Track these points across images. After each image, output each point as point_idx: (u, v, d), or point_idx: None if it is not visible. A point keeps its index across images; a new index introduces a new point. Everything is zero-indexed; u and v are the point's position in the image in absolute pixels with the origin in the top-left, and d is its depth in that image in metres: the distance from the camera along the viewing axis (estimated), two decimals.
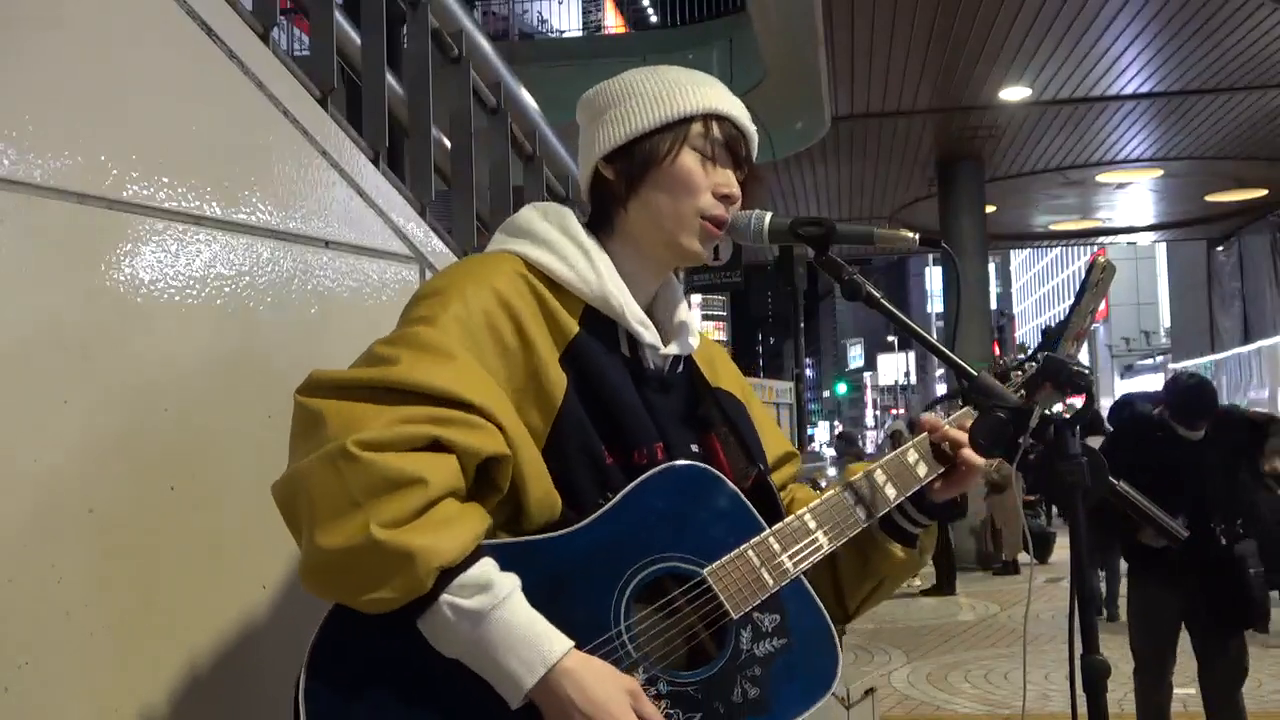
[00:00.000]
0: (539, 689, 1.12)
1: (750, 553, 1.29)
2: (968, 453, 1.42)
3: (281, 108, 1.79)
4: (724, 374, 1.52)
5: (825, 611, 1.35)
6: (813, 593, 1.35)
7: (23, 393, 1.32)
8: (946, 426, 1.44)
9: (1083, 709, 1.30)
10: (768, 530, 1.32)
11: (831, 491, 1.39)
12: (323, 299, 1.81)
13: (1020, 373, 1.50)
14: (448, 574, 1.10)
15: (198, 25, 1.64)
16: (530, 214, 1.40)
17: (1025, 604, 10.53)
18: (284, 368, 1.71)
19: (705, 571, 1.26)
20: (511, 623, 1.12)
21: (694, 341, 1.44)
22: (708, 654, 1.26)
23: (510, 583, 1.14)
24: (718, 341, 1.54)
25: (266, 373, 1.67)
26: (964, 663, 7.23)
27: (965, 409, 1.48)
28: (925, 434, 1.45)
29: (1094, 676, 1.30)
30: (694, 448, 1.39)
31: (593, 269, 1.34)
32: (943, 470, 1.45)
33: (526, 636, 1.12)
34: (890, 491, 1.41)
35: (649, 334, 1.36)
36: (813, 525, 1.34)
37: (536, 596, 1.15)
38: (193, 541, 1.51)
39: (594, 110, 1.43)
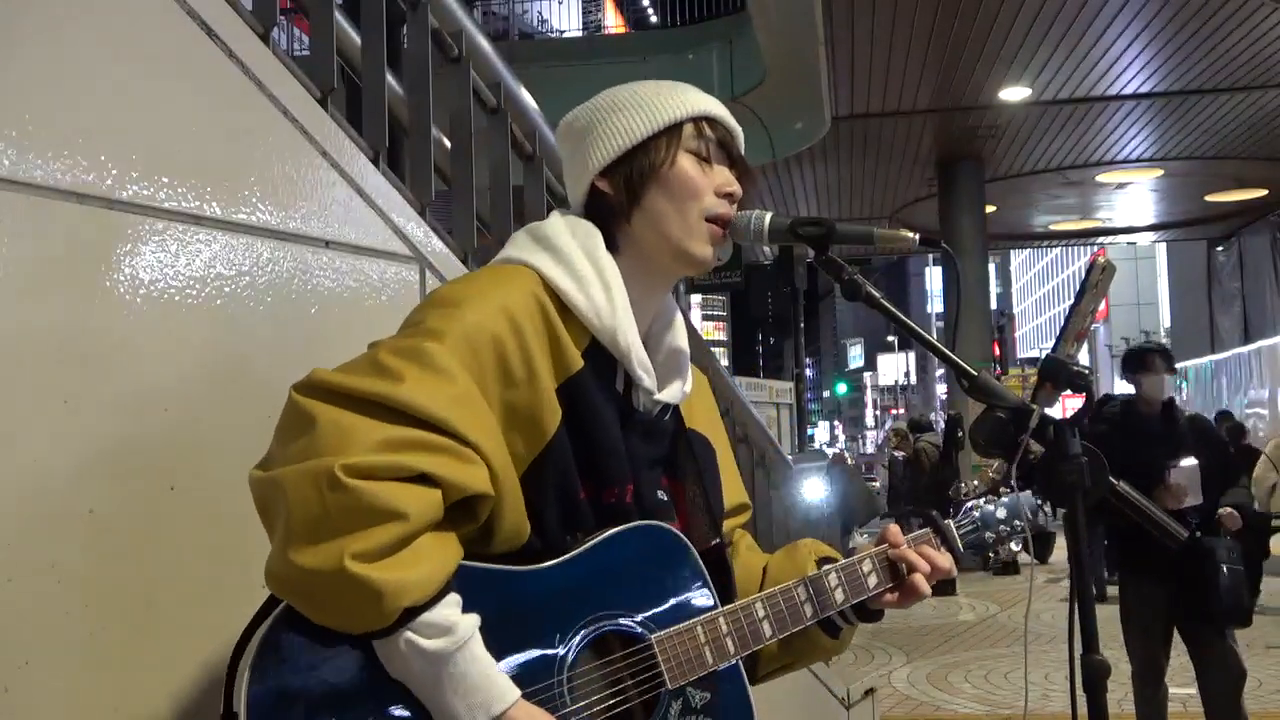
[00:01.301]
0: None
1: (699, 628, 1.31)
2: (918, 579, 1.46)
3: (281, 108, 1.79)
4: (699, 409, 1.51)
5: (754, 701, 1.37)
6: (746, 680, 1.36)
7: (22, 393, 1.32)
8: (906, 547, 1.48)
9: (1083, 709, 1.30)
10: (720, 610, 1.33)
11: (787, 583, 1.41)
12: (323, 299, 1.81)
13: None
14: (411, 611, 1.10)
15: (198, 25, 1.64)
16: (559, 225, 1.37)
17: (1025, 604, 10.53)
18: (283, 368, 1.70)
19: (652, 638, 1.27)
20: (466, 670, 1.13)
21: (687, 389, 1.43)
22: (637, 718, 1.27)
23: (470, 626, 1.14)
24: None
25: (266, 373, 1.67)
26: (964, 663, 7.23)
27: (925, 530, 1.51)
28: (885, 546, 1.48)
29: (1094, 676, 1.30)
30: (661, 494, 1.39)
31: (609, 302, 1.31)
32: (890, 585, 1.47)
33: (477, 684, 1.13)
34: (839, 596, 1.43)
35: (648, 379, 1.35)
36: (761, 614, 1.36)
37: (490, 625, 1.16)
38: (193, 541, 1.51)
39: (577, 131, 1.42)
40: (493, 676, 1.14)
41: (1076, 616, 1.33)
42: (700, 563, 1.35)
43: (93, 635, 1.36)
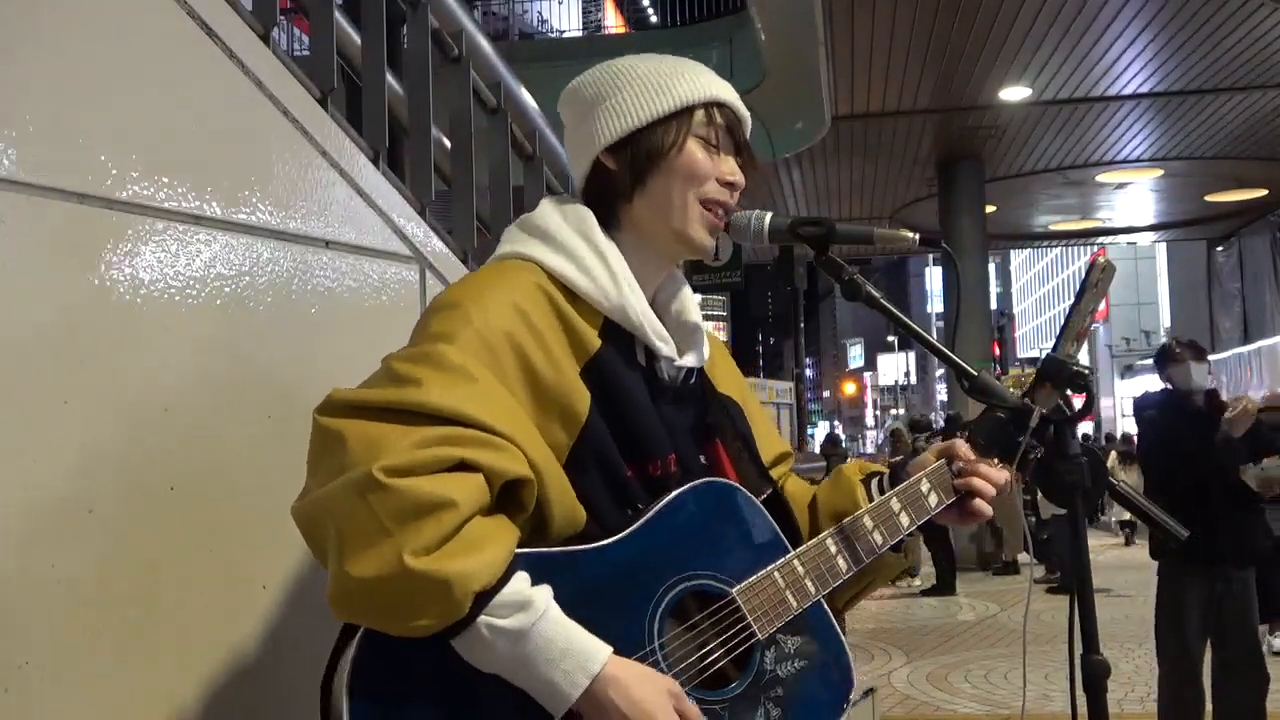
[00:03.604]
0: (584, 699, 1.13)
1: (776, 574, 1.31)
2: (979, 504, 1.44)
3: (281, 108, 1.79)
4: (722, 374, 1.52)
5: (842, 634, 1.38)
6: (830, 615, 1.37)
7: (23, 393, 1.32)
8: (976, 471, 1.44)
9: (1083, 709, 1.30)
10: (792, 553, 1.34)
11: (850, 517, 1.40)
12: (323, 299, 1.81)
13: None
14: (484, 595, 1.10)
15: (198, 25, 1.64)
16: (549, 212, 1.37)
17: (1025, 604, 10.52)
18: (284, 368, 1.71)
19: (734, 591, 1.27)
20: (550, 637, 1.12)
21: (707, 352, 1.44)
22: (732, 673, 1.27)
23: (545, 597, 1.14)
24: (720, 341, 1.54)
25: (266, 373, 1.67)
26: (964, 663, 7.23)
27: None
28: (942, 462, 1.46)
29: (1094, 676, 1.30)
30: (702, 459, 1.40)
31: (612, 280, 1.32)
32: (951, 500, 1.45)
33: (566, 649, 1.13)
34: (904, 520, 1.42)
35: (667, 348, 1.36)
36: (833, 549, 1.36)
37: (573, 609, 1.16)
38: (193, 541, 1.51)
39: (585, 102, 1.40)
40: (578, 638, 1.14)
41: (1076, 616, 1.32)
42: (763, 510, 1.35)
43: (93, 635, 1.36)
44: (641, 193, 1.36)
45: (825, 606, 1.36)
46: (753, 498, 1.35)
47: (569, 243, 1.33)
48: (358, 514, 1.08)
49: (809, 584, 1.32)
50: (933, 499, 1.45)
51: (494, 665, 1.12)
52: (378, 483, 1.07)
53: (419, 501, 1.08)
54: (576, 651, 1.13)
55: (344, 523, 1.09)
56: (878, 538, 1.40)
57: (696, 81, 1.38)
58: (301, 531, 1.15)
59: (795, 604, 1.31)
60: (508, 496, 1.18)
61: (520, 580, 1.13)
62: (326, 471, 1.12)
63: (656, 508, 1.26)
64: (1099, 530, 15.26)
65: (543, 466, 1.20)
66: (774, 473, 1.52)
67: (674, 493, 1.27)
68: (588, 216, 1.36)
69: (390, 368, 1.19)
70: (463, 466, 1.12)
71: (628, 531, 1.23)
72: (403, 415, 1.12)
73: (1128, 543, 13.74)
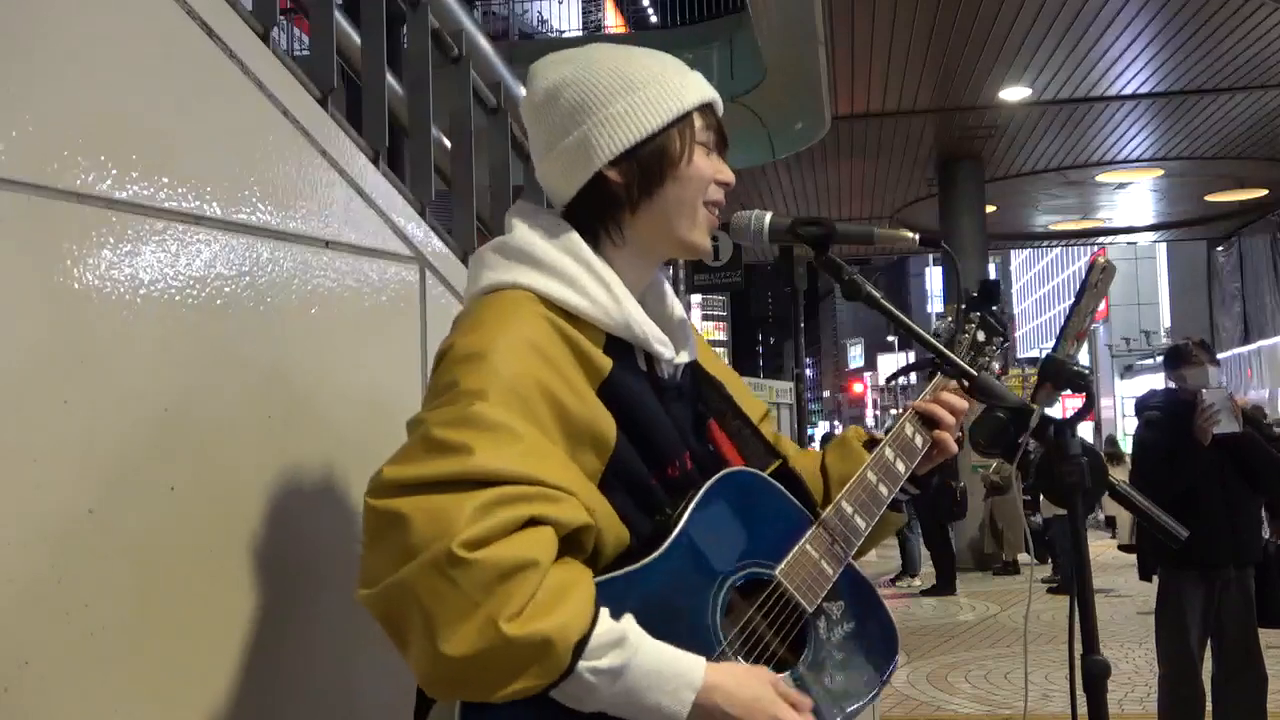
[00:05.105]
0: (693, 714, 1.15)
1: (808, 546, 1.34)
2: (942, 437, 1.51)
3: (281, 108, 1.79)
4: (702, 354, 1.51)
5: (871, 583, 1.42)
6: (858, 569, 1.41)
7: (22, 393, 1.32)
8: (924, 402, 1.52)
9: (1083, 709, 1.30)
10: (816, 522, 1.36)
11: (856, 474, 1.44)
12: (323, 299, 1.80)
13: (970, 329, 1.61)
14: (581, 643, 1.10)
15: (198, 25, 1.64)
16: (529, 235, 1.32)
17: (1025, 604, 10.53)
18: (284, 368, 1.71)
19: (776, 572, 1.30)
20: (648, 665, 1.14)
21: (694, 343, 1.45)
22: (795, 651, 1.31)
23: (633, 627, 1.15)
24: (714, 344, 1.57)
25: (266, 373, 1.67)
26: (964, 663, 7.23)
27: (938, 378, 1.54)
28: (913, 404, 1.53)
29: (1094, 676, 1.30)
30: (710, 447, 1.42)
31: (610, 297, 1.29)
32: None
33: (665, 671, 1.15)
34: (900, 466, 1.47)
35: (668, 351, 1.36)
36: (849, 510, 1.39)
37: (645, 629, 1.17)
38: (193, 541, 1.51)
39: (568, 109, 1.33)
40: (672, 657, 1.16)
41: (1076, 616, 1.33)
42: (780, 486, 1.37)
43: (93, 635, 1.36)
44: (648, 204, 1.34)
45: (855, 567, 1.40)
46: (769, 478, 1.37)
47: (559, 264, 1.29)
48: (444, 592, 1.07)
49: (838, 549, 1.36)
50: (918, 440, 1.50)
51: (597, 705, 1.13)
52: (458, 558, 1.07)
53: (503, 568, 1.08)
54: (675, 671, 1.15)
55: (431, 603, 1.07)
56: (884, 490, 1.44)
57: (691, 84, 1.36)
58: (380, 619, 1.13)
59: (831, 571, 1.34)
60: (568, 541, 1.18)
61: (606, 617, 1.14)
62: (394, 554, 1.10)
63: (688, 512, 1.26)
64: (1098, 530, 15.29)
65: (596, 508, 1.20)
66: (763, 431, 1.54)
67: (698, 493, 1.28)
68: (571, 233, 1.32)
69: (431, 436, 1.15)
70: (532, 522, 1.12)
71: (669, 542, 1.24)
72: (458, 485, 1.11)
73: (1110, 531, 13.87)
